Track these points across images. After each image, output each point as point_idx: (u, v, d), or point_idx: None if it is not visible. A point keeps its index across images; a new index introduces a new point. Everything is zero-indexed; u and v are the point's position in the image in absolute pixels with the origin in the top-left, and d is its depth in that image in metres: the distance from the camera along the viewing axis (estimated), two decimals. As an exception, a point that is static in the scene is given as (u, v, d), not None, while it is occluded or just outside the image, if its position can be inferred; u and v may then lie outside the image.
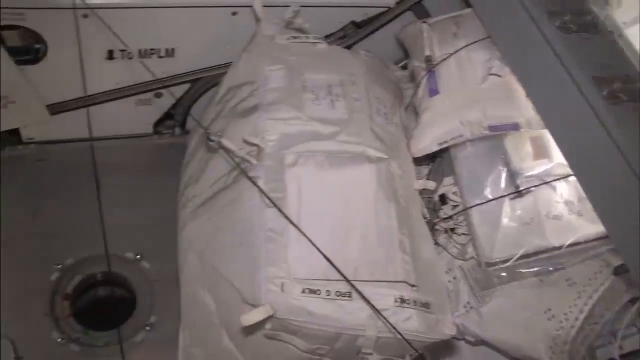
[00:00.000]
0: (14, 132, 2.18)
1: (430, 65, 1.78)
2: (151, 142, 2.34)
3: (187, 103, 2.20)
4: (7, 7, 1.71)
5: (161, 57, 1.98)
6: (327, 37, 2.05)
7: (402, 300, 1.39)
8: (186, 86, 2.14)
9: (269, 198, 1.39)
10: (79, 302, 2.00)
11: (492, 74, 1.69)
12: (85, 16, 1.77)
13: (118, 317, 1.93)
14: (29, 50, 1.89)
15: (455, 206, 1.75)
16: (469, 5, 1.83)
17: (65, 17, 1.74)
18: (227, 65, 2.03)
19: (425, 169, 1.89)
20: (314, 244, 1.34)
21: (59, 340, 1.83)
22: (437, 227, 1.78)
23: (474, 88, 1.70)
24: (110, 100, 2.10)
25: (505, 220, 1.58)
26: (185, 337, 1.65)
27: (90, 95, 1.98)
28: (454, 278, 1.74)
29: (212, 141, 1.45)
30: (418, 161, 1.78)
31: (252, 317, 1.27)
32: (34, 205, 2.08)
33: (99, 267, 2.00)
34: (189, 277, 1.62)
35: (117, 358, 1.81)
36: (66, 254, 1.98)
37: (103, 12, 1.74)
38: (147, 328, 1.89)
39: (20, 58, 1.88)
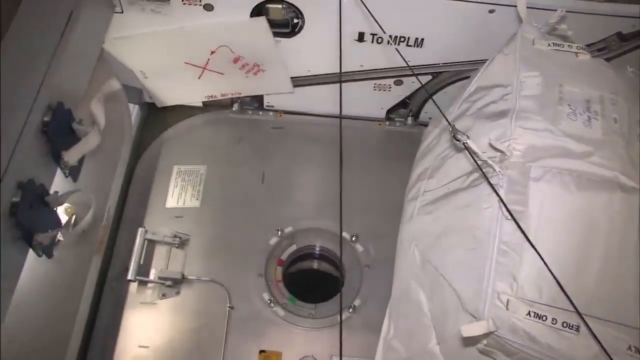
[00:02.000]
0: (257, 98, 2.33)
1: None
2: (382, 127, 2.37)
3: (425, 95, 2.18)
4: (280, -15, 1.81)
5: (409, 45, 1.97)
6: (587, 46, 1.91)
7: (637, 350, 1.27)
8: (427, 78, 2.11)
9: (508, 210, 1.33)
10: (291, 270, 2.08)
11: None
12: (348, -4, 1.81)
13: (324, 292, 1.99)
14: (287, 25, 1.97)
15: None
16: None
17: (326, -5, 1.80)
18: (474, 62, 2.00)
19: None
20: (548, 268, 1.26)
21: (267, 301, 1.92)
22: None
23: None
24: (354, 81, 2.15)
25: None
26: (390, 328, 1.65)
27: (336, 74, 2.02)
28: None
29: (457, 140, 1.41)
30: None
31: (473, 329, 1.24)
32: (264, 169, 2.19)
33: (315, 240, 2.08)
34: (406, 270, 1.60)
35: (316, 330, 1.88)
36: (287, 221, 2.08)
37: (364, -6, 1.77)
38: (350, 310, 1.92)
39: (277, 30, 1.98)
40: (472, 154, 1.42)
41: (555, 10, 1.72)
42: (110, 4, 1.85)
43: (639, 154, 1.50)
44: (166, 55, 2.08)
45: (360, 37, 1.96)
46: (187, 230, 2.03)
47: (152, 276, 1.92)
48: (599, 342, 1.22)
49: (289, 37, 2.00)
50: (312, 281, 2.12)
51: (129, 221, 2.06)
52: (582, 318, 1.24)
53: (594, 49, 1.95)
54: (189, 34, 1.98)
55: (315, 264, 2.14)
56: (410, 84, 2.16)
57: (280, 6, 1.89)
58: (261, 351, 1.84)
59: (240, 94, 2.28)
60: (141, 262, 1.89)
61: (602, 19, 1.88)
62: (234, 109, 2.36)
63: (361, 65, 2.10)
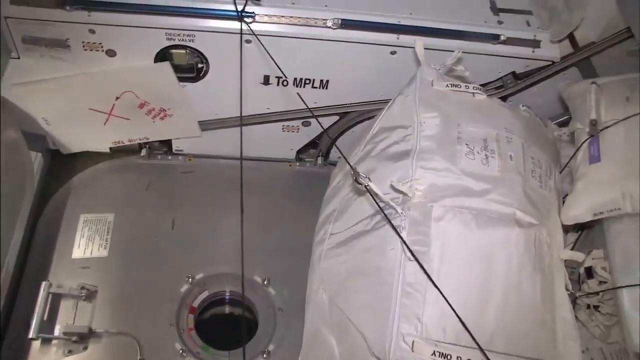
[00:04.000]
0: (166, 143, 2.29)
1: (595, 129, 1.67)
2: (292, 168, 2.38)
3: (334, 134, 2.20)
4: (181, 29, 1.81)
5: (315, 87, 2.00)
6: (484, 85, 1.99)
7: (536, 381, 1.31)
8: (335, 118, 2.14)
9: (411, 252, 1.35)
10: (204, 316, 2.04)
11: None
12: (248, 42, 1.83)
13: (237, 337, 1.95)
14: (192, 69, 1.96)
15: (602, 282, 1.63)
16: (647, 69, 1.72)
17: (230, 41, 1.81)
18: (379, 102, 2.05)
19: (572, 237, 1.78)
20: (452, 307, 1.28)
21: (179, 350, 1.87)
22: (578, 301, 1.66)
23: (642, 161, 1.56)
24: (261, 123, 2.16)
25: (663, 311, 1.44)
26: (303, 374, 1.63)
27: (243, 116, 2.03)
28: (592, 360, 1.63)
29: (359, 183, 1.42)
30: (566, 227, 1.67)
31: (379, 374, 1.24)
32: (174, 215, 2.15)
33: (227, 286, 2.04)
34: (315, 315, 1.60)
35: (232, 378, 1.84)
36: (198, 268, 2.04)
37: (266, 39, 1.79)
38: (264, 355, 1.89)
39: (182, 75, 1.97)
40: (374, 196, 1.43)
41: (452, 51, 1.78)
42: (6, 49, 1.79)
43: (534, 189, 1.56)
44: (69, 102, 2.03)
45: (266, 80, 1.98)
46: (95, 281, 1.96)
47: (56, 332, 1.83)
48: (500, 377, 1.24)
49: (194, 82, 2.00)
50: (226, 327, 2.08)
51: (31, 275, 1.96)
52: (485, 354, 1.26)
53: (492, 87, 2.04)
54: (91, 80, 1.94)
55: (227, 309, 2.10)
56: (318, 125, 2.18)
57: (184, 51, 1.89)
58: (175, 404, 1.78)
59: (148, 139, 2.24)
60: (45, 318, 1.80)
61: (498, 59, 1.97)
62: (142, 154, 2.32)
63: (268, 108, 2.11)
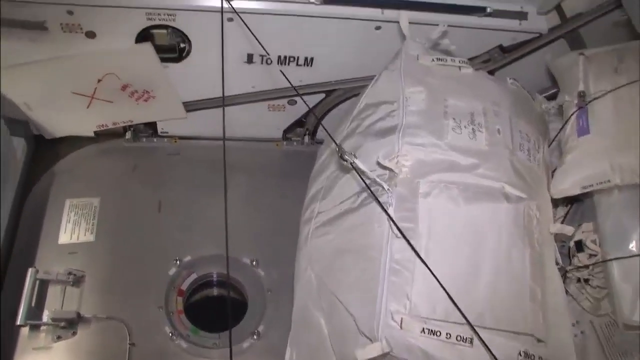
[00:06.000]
0: (151, 125, 2.26)
1: (583, 101, 1.66)
2: (280, 147, 2.35)
3: (320, 113, 2.18)
4: (161, 8, 1.76)
5: (299, 65, 1.97)
6: (471, 59, 1.96)
7: (527, 355, 1.30)
8: (321, 96, 2.12)
9: (398, 229, 1.33)
10: (192, 299, 2.03)
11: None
12: (230, 20, 1.79)
13: (227, 319, 1.94)
14: (174, 49, 1.93)
15: (592, 255, 1.63)
16: (634, 38, 1.69)
17: (212, 19, 1.77)
18: (364, 79, 2.01)
19: (562, 210, 1.77)
20: (440, 284, 1.27)
21: (169, 334, 1.85)
22: (569, 274, 1.66)
23: (632, 131, 1.55)
24: (246, 102, 2.13)
25: (652, 281, 1.43)
26: (292, 354, 1.62)
27: (227, 96, 2.00)
28: (582, 333, 1.63)
29: (345, 160, 1.40)
30: (555, 201, 1.66)
31: (367, 352, 1.24)
32: (160, 197, 2.13)
33: (215, 268, 2.02)
34: (304, 295, 1.59)
35: (223, 360, 1.82)
36: (185, 250, 2.02)
37: (248, 17, 1.74)
38: (255, 337, 1.88)
39: (165, 56, 1.94)
40: (360, 173, 1.42)
41: (437, 25, 1.75)
42: (-20, 33, 1.76)
43: (522, 163, 1.54)
44: (50, 86, 2.00)
45: (249, 59, 1.95)
46: (82, 266, 1.94)
47: (45, 318, 1.80)
48: (490, 352, 1.23)
49: (177, 62, 1.96)
50: (215, 309, 2.06)
51: (18, 262, 1.94)
52: (474, 330, 1.25)
53: (478, 61, 2.02)
54: (72, 62, 1.91)
55: (215, 291, 2.09)
56: (303, 104, 2.15)
57: (165, 31, 1.85)
58: (166, 386, 1.77)
59: (132, 121, 2.21)
60: (32, 305, 1.78)
61: (484, 32, 1.94)
62: (127, 137, 2.28)
63: (253, 87, 2.08)
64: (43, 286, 1.86)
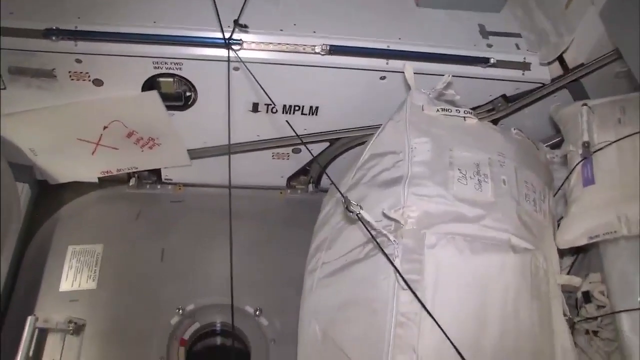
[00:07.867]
0: (155, 172, 2.27)
1: (587, 152, 1.66)
2: (284, 196, 2.35)
3: (324, 161, 2.18)
4: (168, 57, 1.78)
5: (304, 114, 1.99)
6: (474, 108, 1.98)
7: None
8: (325, 145, 2.13)
9: (404, 281, 1.32)
10: (195, 349, 2.00)
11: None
12: (236, 69, 1.81)
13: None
14: (180, 98, 1.94)
15: (600, 307, 1.60)
16: (636, 88, 1.71)
17: (218, 68, 1.79)
18: (369, 128, 2.03)
19: (568, 260, 1.76)
20: (447, 336, 1.25)
21: (171, 385, 1.82)
22: (577, 326, 1.64)
23: (638, 182, 1.54)
24: (250, 151, 2.13)
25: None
26: (297, 408, 1.59)
27: (231, 144, 2.00)
28: (592, 387, 1.60)
29: (351, 212, 1.40)
30: (561, 251, 1.65)
31: (375, 407, 1.21)
32: (163, 245, 2.12)
33: (218, 317, 2.00)
34: (308, 347, 1.56)
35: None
36: (188, 299, 2.00)
37: (254, 66, 1.77)
38: (258, 389, 1.85)
39: (170, 104, 1.95)
40: (366, 224, 1.41)
41: (442, 75, 1.76)
42: (-9, 80, 1.77)
43: (528, 213, 1.54)
44: (56, 132, 2.01)
45: (255, 108, 1.96)
46: (83, 314, 1.92)
47: (43, 369, 1.79)
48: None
49: (182, 110, 1.98)
50: (218, 359, 2.04)
51: (17, 310, 1.92)
52: (482, 385, 1.23)
53: (482, 110, 2.03)
54: (79, 110, 1.92)
55: (218, 341, 2.06)
56: (308, 152, 2.16)
57: (171, 80, 1.87)
58: None
59: (137, 168, 2.22)
60: (30, 355, 1.75)
61: (488, 82, 1.96)
62: (130, 183, 2.29)
63: (257, 135, 2.09)
64: (42, 335, 1.84)
